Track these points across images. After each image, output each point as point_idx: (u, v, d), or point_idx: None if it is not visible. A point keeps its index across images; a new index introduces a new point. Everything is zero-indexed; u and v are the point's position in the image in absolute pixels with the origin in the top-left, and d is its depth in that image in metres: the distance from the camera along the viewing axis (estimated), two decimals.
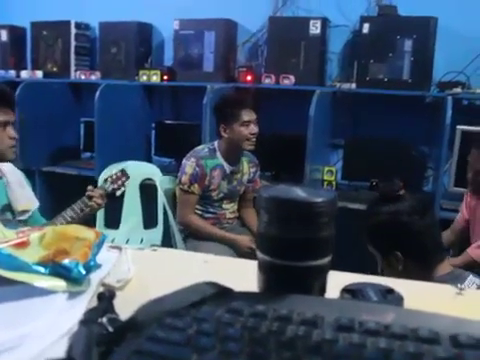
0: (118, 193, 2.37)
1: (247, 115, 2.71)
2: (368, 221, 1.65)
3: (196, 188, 2.72)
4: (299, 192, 0.52)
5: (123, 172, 2.40)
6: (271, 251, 0.52)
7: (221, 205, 2.89)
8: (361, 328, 0.45)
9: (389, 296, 0.59)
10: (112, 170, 2.52)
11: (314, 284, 0.54)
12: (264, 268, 0.54)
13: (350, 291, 0.59)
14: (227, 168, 2.81)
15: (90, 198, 2.16)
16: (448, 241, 2.43)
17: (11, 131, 1.98)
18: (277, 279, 0.53)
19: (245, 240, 2.73)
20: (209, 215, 2.87)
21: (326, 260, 0.53)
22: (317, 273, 0.53)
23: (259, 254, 0.54)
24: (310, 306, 0.48)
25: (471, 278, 1.53)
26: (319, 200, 0.50)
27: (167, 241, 3.12)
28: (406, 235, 1.56)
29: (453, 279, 1.51)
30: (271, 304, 0.48)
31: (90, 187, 2.23)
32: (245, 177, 2.96)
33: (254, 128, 2.73)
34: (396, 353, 0.41)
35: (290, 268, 0.52)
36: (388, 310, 0.49)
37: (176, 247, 2.86)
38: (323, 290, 0.55)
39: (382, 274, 1.63)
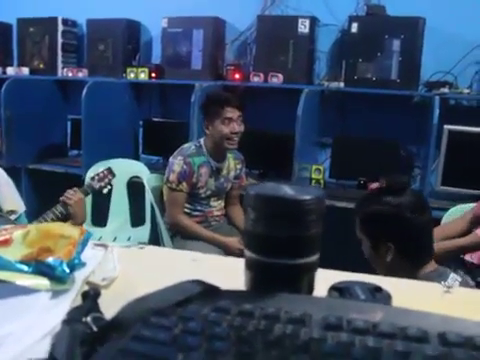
0: (105, 191, 2.36)
1: (229, 112, 2.69)
2: (367, 207, 1.65)
3: (184, 186, 2.71)
4: (287, 190, 0.51)
5: (109, 170, 2.39)
6: (258, 249, 0.52)
7: (209, 203, 2.88)
8: (349, 327, 0.44)
9: (377, 294, 0.58)
10: (99, 168, 2.52)
11: (302, 282, 0.53)
12: (251, 266, 0.53)
13: (338, 289, 0.59)
14: (213, 165, 2.81)
15: (65, 203, 2.15)
16: (461, 230, 2.39)
17: None
18: (264, 277, 0.53)
19: (234, 242, 2.71)
20: (197, 213, 2.87)
21: (314, 258, 0.53)
22: (305, 271, 0.53)
23: (246, 252, 0.53)
24: (298, 304, 0.48)
25: (453, 276, 1.56)
26: (307, 198, 0.50)
27: (155, 239, 3.10)
28: (404, 229, 1.58)
29: (437, 276, 1.53)
30: (258, 303, 0.47)
31: (70, 191, 2.21)
32: (231, 173, 2.96)
33: (236, 126, 2.71)
34: (385, 352, 0.41)
35: (277, 266, 0.51)
36: (376, 308, 0.48)
37: (164, 245, 2.85)
38: (311, 288, 0.55)
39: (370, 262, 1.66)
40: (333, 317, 0.45)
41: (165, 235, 2.86)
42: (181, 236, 2.82)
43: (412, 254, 1.60)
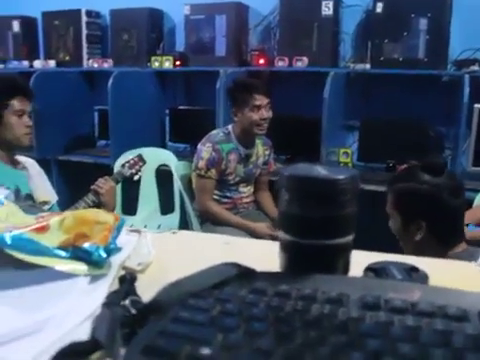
0: (136, 178, 2.37)
1: (258, 100, 2.69)
2: (403, 183, 1.64)
3: (213, 173, 2.72)
4: (320, 170, 0.51)
5: (140, 157, 2.40)
6: (293, 230, 0.52)
7: (238, 189, 2.89)
8: (387, 306, 0.44)
9: (413, 274, 0.58)
10: (128, 156, 2.53)
11: (337, 263, 0.53)
12: (286, 247, 0.53)
13: (373, 270, 0.58)
14: (242, 151, 2.81)
15: (96, 192, 2.17)
16: None
17: (27, 120, 2.04)
18: (300, 258, 0.53)
19: (262, 227, 2.73)
20: (226, 199, 2.87)
21: (349, 238, 0.53)
22: (340, 251, 0.53)
23: (281, 233, 0.53)
24: (334, 285, 0.48)
25: None
26: (341, 177, 0.49)
27: (184, 226, 3.13)
28: (439, 210, 1.57)
29: (468, 256, 1.50)
30: (294, 284, 0.47)
31: (101, 180, 2.22)
32: (260, 160, 2.96)
33: (264, 113, 2.71)
34: (424, 331, 0.40)
35: (313, 247, 0.51)
36: (414, 288, 0.48)
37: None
38: (346, 269, 0.54)
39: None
40: (370, 297, 0.45)
41: (194, 222, 2.88)
42: (210, 223, 2.84)
43: (443, 235, 1.59)
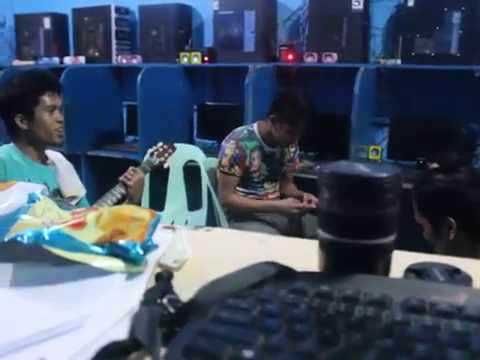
0: (165, 166, 2.33)
1: (299, 129, 2.72)
2: (422, 188, 1.66)
3: (237, 170, 2.71)
4: (362, 167, 0.50)
5: (169, 144, 2.34)
6: (334, 229, 0.50)
7: (263, 186, 2.87)
8: (433, 310, 0.43)
9: (456, 276, 0.56)
10: (157, 144, 2.45)
11: (379, 263, 0.52)
12: (326, 247, 0.52)
13: (415, 271, 0.57)
14: (267, 150, 2.79)
15: (124, 184, 2.15)
16: None
17: (58, 115, 2.02)
18: (340, 258, 0.51)
19: (289, 202, 2.73)
20: (251, 196, 2.87)
21: (391, 238, 0.51)
22: (382, 252, 0.51)
23: (321, 232, 0.52)
24: (376, 286, 0.47)
25: None
26: (385, 175, 0.48)
27: (212, 223, 3.13)
28: (462, 204, 1.57)
29: None
30: (335, 284, 0.46)
31: (130, 171, 2.18)
32: (286, 157, 2.94)
33: (297, 137, 2.77)
34: (473, 336, 0.39)
35: (354, 247, 0.50)
36: (459, 291, 0.46)
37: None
38: (387, 270, 0.53)
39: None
40: (415, 299, 0.44)
41: (222, 218, 2.88)
42: (235, 218, 2.84)
43: (474, 230, 1.58)
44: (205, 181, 3.20)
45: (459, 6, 3.05)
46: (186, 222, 3.50)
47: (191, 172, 3.59)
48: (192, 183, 3.63)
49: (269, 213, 2.82)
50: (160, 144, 2.37)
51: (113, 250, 0.55)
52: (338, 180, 0.49)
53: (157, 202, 3.66)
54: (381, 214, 0.49)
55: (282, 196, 3.01)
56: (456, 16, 3.07)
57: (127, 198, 2.15)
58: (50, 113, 1.99)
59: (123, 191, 2.13)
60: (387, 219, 0.50)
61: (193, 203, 3.66)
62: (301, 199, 2.71)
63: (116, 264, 0.55)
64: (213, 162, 2.94)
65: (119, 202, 2.13)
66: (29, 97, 1.97)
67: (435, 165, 1.92)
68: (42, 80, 2.03)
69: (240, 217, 2.83)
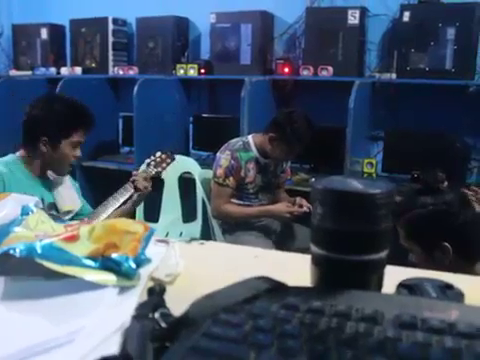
0: (163, 175, 2.33)
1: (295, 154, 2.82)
2: (411, 212, 1.58)
3: (231, 181, 2.72)
4: (355, 183, 0.50)
5: (167, 154, 2.33)
6: (326, 244, 0.50)
7: (257, 196, 2.88)
8: (424, 326, 0.43)
9: (448, 292, 0.56)
10: (155, 153, 2.45)
11: (371, 279, 0.52)
12: (318, 262, 0.52)
13: (407, 286, 0.57)
14: (262, 161, 2.80)
15: (133, 182, 2.16)
16: None
17: (78, 152, 2.05)
18: (332, 274, 0.51)
19: (282, 207, 2.74)
20: None
21: (384, 254, 0.51)
22: (375, 267, 0.51)
23: (313, 247, 0.52)
24: (368, 302, 0.46)
25: None
26: (378, 191, 0.48)
27: (206, 235, 3.12)
28: (455, 226, 1.52)
29: None
30: (327, 299, 0.46)
31: (135, 172, 2.23)
32: (279, 168, 2.95)
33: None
34: (465, 353, 0.39)
35: (347, 262, 0.50)
36: (450, 307, 0.46)
37: (216, 240, 2.86)
38: (380, 285, 0.53)
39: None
40: (407, 315, 0.44)
41: (217, 230, 2.87)
42: (230, 230, 2.84)
43: (467, 251, 1.53)
44: (200, 193, 3.20)
45: (453, 22, 3.08)
46: (181, 234, 3.50)
47: (186, 184, 3.59)
48: (187, 195, 3.63)
49: (262, 218, 2.83)
50: (158, 154, 2.36)
51: (106, 264, 0.55)
52: (331, 195, 0.49)
53: (152, 213, 3.65)
54: (374, 230, 0.49)
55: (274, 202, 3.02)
56: (450, 32, 3.10)
57: (132, 200, 2.16)
58: (74, 149, 2.01)
59: (129, 194, 2.14)
60: (380, 235, 0.50)
61: (188, 215, 3.65)
62: (293, 204, 2.73)
63: (108, 278, 0.55)
64: (208, 174, 2.95)
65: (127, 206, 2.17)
66: (63, 128, 1.97)
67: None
68: (82, 117, 2.03)
69: (234, 228, 2.82)
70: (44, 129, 1.95)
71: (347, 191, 0.48)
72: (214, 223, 2.89)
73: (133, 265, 0.55)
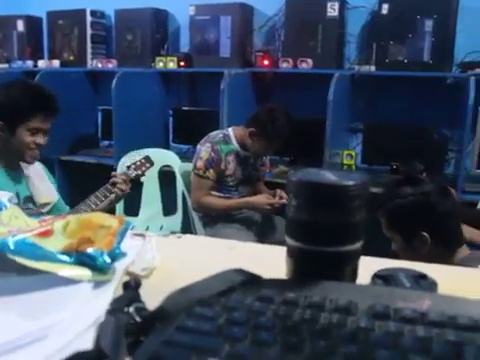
0: (142, 179, 2.34)
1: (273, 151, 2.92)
2: (391, 202, 1.61)
3: (211, 173, 2.72)
4: (329, 175, 0.50)
5: (147, 159, 2.35)
6: (301, 236, 0.51)
7: (237, 189, 2.88)
8: (397, 316, 0.43)
9: (422, 282, 0.57)
10: (135, 157, 2.47)
11: (346, 270, 0.52)
12: (293, 254, 0.52)
13: (381, 277, 0.57)
14: (242, 153, 2.80)
15: (114, 184, 2.14)
16: None
17: (40, 138, 1.93)
18: (307, 265, 0.52)
19: (262, 198, 2.74)
20: None
21: (358, 245, 0.52)
22: (349, 259, 0.52)
23: (288, 239, 0.52)
24: (342, 293, 0.47)
25: None
26: (351, 183, 0.48)
27: (187, 228, 3.12)
28: (433, 216, 1.55)
29: (473, 261, 1.50)
30: (302, 291, 0.46)
31: (114, 173, 2.22)
32: (259, 161, 2.96)
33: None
34: (435, 342, 0.39)
35: (321, 254, 0.50)
36: (423, 296, 0.47)
37: (196, 233, 2.86)
38: (354, 276, 0.54)
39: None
40: (380, 306, 0.44)
41: (197, 224, 2.87)
42: (210, 222, 2.84)
43: (446, 240, 1.57)
44: (180, 186, 3.20)
45: (431, 14, 3.10)
46: (161, 227, 3.49)
47: (166, 177, 3.58)
48: (167, 188, 3.62)
49: (243, 210, 2.84)
50: (138, 158, 2.38)
51: (80, 258, 0.55)
52: (305, 188, 0.49)
53: (132, 207, 3.64)
54: (348, 221, 0.50)
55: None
56: (428, 24, 3.13)
57: (109, 199, 2.14)
58: (32, 135, 1.90)
59: (108, 194, 2.12)
60: (354, 226, 0.50)
61: (168, 208, 3.65)
62: (274, 196, 2.74)
63: (83, 273, 0.54)
64: (188, 167, 2.94)
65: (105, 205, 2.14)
66: (18, 113, 1.88)
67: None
68: (40, 102, 1.92)
69: (215, 221, 2.83)
70: (0, 115, 1.88)
71: (321, 183, 0.48)
72: (194, 216, 2.88)
73: (108, 259, 0.55)
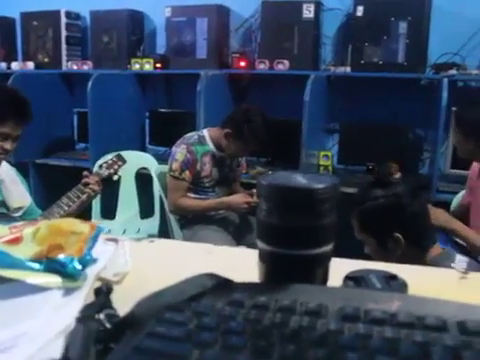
0: (115, 178, 2.32)
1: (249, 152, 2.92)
2: (362, 206, 1.63)
3: (187, 175, 2.71)
4: (300, 178, 0.50)
5: (119, 156, 2.34)
6: (272, 240, 0.51)
7: (214, 190, 2.87)
8: (367, 317, 0.43)
9: (393, 283, 0.58)
10: (107, 157, 2.46)
11: (316, 273, 0.52)
12: (265, 258, 0.53)
13: (353, 278, 0.58)
14: (217, 154, 2.80)
15: (86, 185, 2.12)
16: None
17: (7, 145, 1.89)
18: (278, 269, 0.52)
19: (239, 198, 2.73)
20: None
21: (328, 247, 0.52)
22: (320, 261, 0.52)
23: (259, 243, 0.52)
24: (313, 295, 0.47)
25: (459, 257, 1.55)
26: (321, 186, 0.49)
27: (164, 231, 3.11)
28: (405, 217, 1.57)
29: (445, 259, 1.52)
30: (273, 295, 0.47)
31: (86, 173, 2.20)
32: (235, 162, 2.96)
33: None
34: (403, 342, 0.40)
35: (292, 257, 0.50)
36: (393, 298, 0.47)
37: (173, 236, 2.85)
38: (325, 278, 0.54)
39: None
40: (350, 308, 0.44)
41: (175, 226, 2.86)
42: (187, 225, 2.83)
43: (419, 240, 1.60)
44: (157, 188, 3.18)
45: (405, 16, 3.14)
46: (138, 230, 3.47)
47: (143, 180, 3.56)
48: (144, 191, 3.60)
49: (219, 211, 2.84)
50: (109, 156, 2.36)
51: (50, 265, 0.54)
52: (275, 191, 0.49)
53: (109, 210, 3.61)
54: (318, 224, 0.50)
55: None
56: (402, 26, 3.16)
57: (80, 200, 2.11)
58: (1, 140, 1.86)
59: (80, 195, 2.10)
60: (324, 229, 0.51)
61: (145, 211, 3.63)
62: (251, 195, 2.73)
63: (53, 280, 0.54)
64: (165, 169, 2.93)
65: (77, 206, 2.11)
66: None
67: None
68: (14, 107, 1.87)
69: (192, 223, 2.82)
70: None
71: (291, 187, 0.49)
72: (172, 218, 2.87)
73: (78, 266, 0.54)
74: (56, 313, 0.50)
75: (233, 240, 2.80)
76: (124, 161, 2.34)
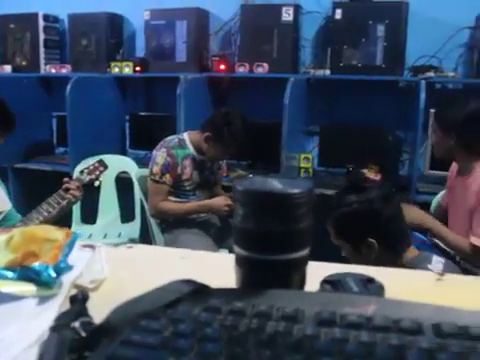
0: (96, 184, 2.30)
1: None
2: (337, 211, 1.65)
3: (167, 178, 2.70)
4: (275, 183, 0.51)
5: (100, 162, 2.32)
6: (248, 245, 0.51)
7: (195, 193, 2.86)
8: (343, 322, 0.44)
9: (370, 286, 0.58)
10: (88, 162, 2.44)
11: (293, 277, 0.52)
12: (241, 263, 0.52)
13: (330, 282, 0.58)
14: (198, 158, 2.79)
15: (67, 190, 2.10)
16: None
17: None
18: (255, 274, 0.52)
19: (220, 201, 2.72)
20: None
21: (305, 252, 0.52)
22: (296, 266, 0.52)
23: (236, 248, 0.52)
24: (290, 300, 0.47)
25: (436, 258, 1.56)
26: (296, 191, 0.49)
27: (145, 235, 3.09)
28: (378, 222, 1.58)
29: (422, 261, 1.54)
30: (250, 300, 0.46)
31: (66, 179, 2.17)
32: (215, 165, 2.96)
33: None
34: (379, 346, 0.40)
35: (268, 262, 0.50)
36: (370, 301, 0.48)
37: (154, 240, 2.83)
38: (303, 283, 0.54)
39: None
40: (326, 312, 0.45)
41: (155, 230, 2.84)
42: (168, 228, 2.81)
43: (393, 244, 1.61)
44: (138, 192, 3.16)
45: (383, 19, 3.17)
46: (119, 234, 3.44)
47: (123, 183, 3.53)
48: (125, 195, 3.57)
49: (200, 214, 2.83)
50: (91, 162, 2.34)
51: (24, 274, 0.53)
52: (251, 197, 0.49)
53: (89, 214, 3.58)
54: (294, 229, 0.50)
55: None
56: (380, 29, 3.19)
57: (60, 206, 2.09)
58: None
59: (60, 201, 2.07)
60: (300, 234, 0.51)
61: (126, 215, 3.60)
62: (231, 198, 2.73)
63: (27, 288, 0.53)
64: (146, 173, 2.91)
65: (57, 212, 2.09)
66: None
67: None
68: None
69: (173, 226, 2.80)
70: None
71: (265, 191, 0.49)
72: (152, 222, 2.85)
73: (53, 274, 0.54)
74: (31, 322, 0.49)
75: (214, 244, 2.79)
76: (106, 167, 2.33)
